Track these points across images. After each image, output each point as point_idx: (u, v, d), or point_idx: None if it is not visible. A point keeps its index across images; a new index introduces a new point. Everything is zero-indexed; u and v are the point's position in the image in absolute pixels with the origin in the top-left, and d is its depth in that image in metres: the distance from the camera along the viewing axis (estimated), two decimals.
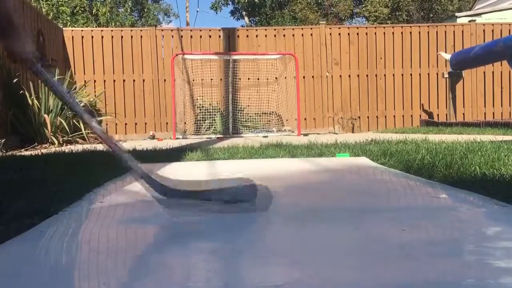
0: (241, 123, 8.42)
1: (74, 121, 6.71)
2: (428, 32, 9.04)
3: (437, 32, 9.07)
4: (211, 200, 1.48)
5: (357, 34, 8.96)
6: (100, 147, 4.98)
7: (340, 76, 8.88)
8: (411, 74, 8.97)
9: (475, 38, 8.95)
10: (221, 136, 7.83)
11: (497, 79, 9.09)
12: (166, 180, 1.49)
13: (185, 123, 8.54)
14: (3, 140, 4.96)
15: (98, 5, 14.68)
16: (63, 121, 6.25)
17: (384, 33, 9.01)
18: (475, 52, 7.50)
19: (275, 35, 8.86)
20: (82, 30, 8.94)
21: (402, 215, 1.49)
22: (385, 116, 8.96)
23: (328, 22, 19.72)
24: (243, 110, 8.55)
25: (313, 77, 8.81)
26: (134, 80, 8.52)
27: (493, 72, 9.04)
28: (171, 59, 8.07)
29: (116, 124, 8.41)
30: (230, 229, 1.40)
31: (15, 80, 5.71)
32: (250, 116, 8.61)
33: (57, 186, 2.06)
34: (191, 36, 8.74)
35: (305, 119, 8.73)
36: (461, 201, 1.68)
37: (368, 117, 8.94)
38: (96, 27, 12.50)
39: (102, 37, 8.50)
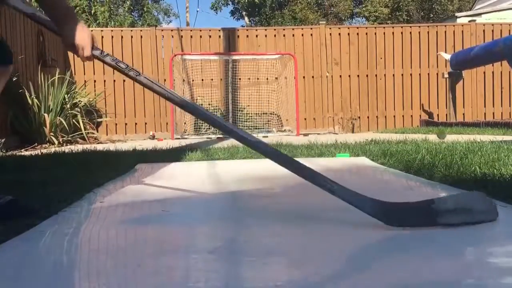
0: (241, 123, 8.42)
1: (73, 121, 6.71)
2: (428, 32, 9.04)
3: (437, 32, 9.06)
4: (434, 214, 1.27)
5: (357, 34, 8.95)
6: (100, 147, 4.98)
7: (340, 76, 8.88)
8: (411, 74, 8.96)
9: (475, 38, 8.95)
10: (221, 136, 7.82)
11: (497, 79, 9.09)
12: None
13: (185, 123, 8.54)
14: (3, 140, 4.95)
15: (96, 5, 14.68)
16: (63, 121, 6.25)
17: (384, 33, 9.00)
18: (475, 52, 7.49)
19: (275, 35, 8.86)
20: None
21: None
22: (385, 116, 8.96)
23: (328, 22, 19.72)
24: (243, 110, 8.55)
25: (313, 77, 8.81)
26: None
27: (493, 72, 9.04)
28: (169, 59, 8.07)
29: (116, 124, 8.41)
30: (229, 229, 1.40)
31: (14, 79, 5.71)
32: (250, 116, 8.60)
33: (57, 186, 2.06)
34: (191, 36, 8.74)
35: (305, 119, 8.73)
36: None
37: (368, 117, 8.94)
38: (95, 27, 12.49)
39: (102, 37, 8.49)
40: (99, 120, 7.92)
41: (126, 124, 8.51)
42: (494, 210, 1.31)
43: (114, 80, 8.45)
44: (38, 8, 4.30)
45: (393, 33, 8.99)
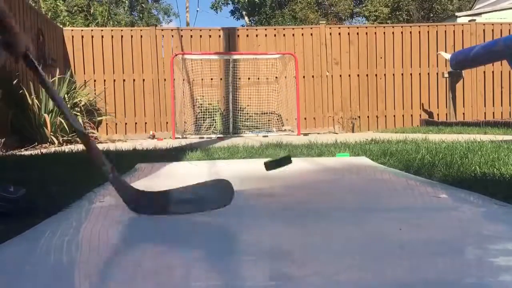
0: (241, 122, 8.42)
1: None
2: (428, 32, 9.04)
3: (437, 32, 9.06)
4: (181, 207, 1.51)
5: (357, 33, 8.95)
6: (100, 146, 4.98)
7: (340, 75, 8.88)
8: (411, 74, 8.96)
9: (475, 37, 8.94)
10: (221, 135, 7.82)
11: (497, 79, 9.09)
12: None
13: (185, 122, 8.54)
14: (3, 140, 4.95)
15: (95, 4, 14.65)
16: (63, 121, 6.24)
17: (384, 32, 9.00)
18: (475, 52, 7.49)
19: (275, 35, 8.86)
20: (82, 30, 8.93)
21: (402, 214, 1.49)
22: (385, 116, 8.96)
23: (328, 21, 19.70)
24: (243, 110, 8.55)
25: (313, 76, 8.81)
26: (134, 80, 8.52)
27: (493, 72, 9.03)
28: (170, 59, 8.07)
29: (116, 124, 8.41)
30: (230, 229, 1.40)
31: (15, 80, 5.71)
32: (250, 115, 8.60)
33: (57, 186, 2.05)
34: (191, 36, 8.73)
35: (305, 118, 8.73)
36: (461, 201, 1.68)
37: (368, 116, 8.93)
38: (95, 26, 12.47)
39: (102, 36, 8.49)
40: (99, 119, 7.91)
41: (126, 123, 8.51)
42: (228, 197, 1.47)
43: (114, 80, 8.45)
44: None
45: (393, 32, 8.99)
